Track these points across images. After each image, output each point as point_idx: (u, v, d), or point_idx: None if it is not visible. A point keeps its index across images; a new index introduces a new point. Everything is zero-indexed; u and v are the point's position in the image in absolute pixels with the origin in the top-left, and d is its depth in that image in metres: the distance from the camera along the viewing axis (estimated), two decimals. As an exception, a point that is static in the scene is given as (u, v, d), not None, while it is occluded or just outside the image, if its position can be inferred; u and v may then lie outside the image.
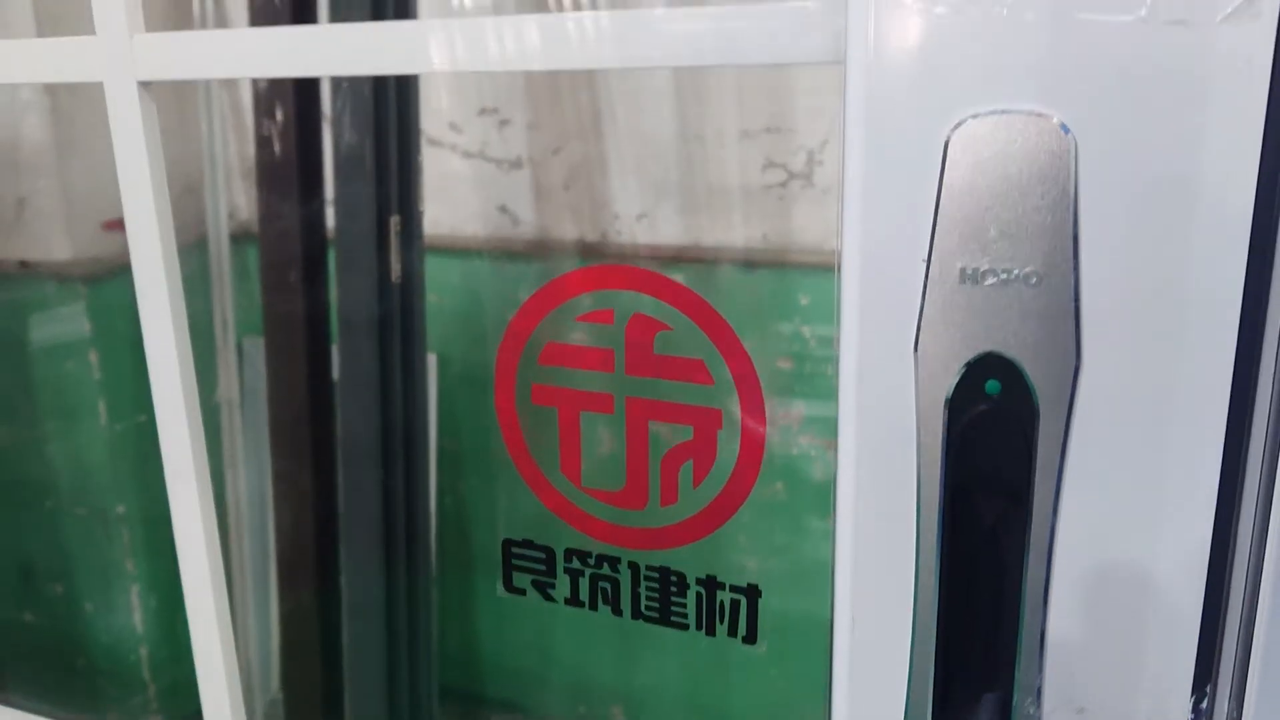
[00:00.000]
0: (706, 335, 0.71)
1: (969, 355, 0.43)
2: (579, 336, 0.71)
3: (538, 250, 1.71)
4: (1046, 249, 0.41)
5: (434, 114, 1.66)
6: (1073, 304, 0.42)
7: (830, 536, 0.50)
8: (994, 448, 0.44)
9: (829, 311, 1.61)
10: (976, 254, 0.42)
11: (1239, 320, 0.41)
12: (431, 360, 1.62)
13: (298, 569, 1.66)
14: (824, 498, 1.51)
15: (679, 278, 1.64)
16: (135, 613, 1.77)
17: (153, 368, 0.88)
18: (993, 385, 0.44)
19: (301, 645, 1.71)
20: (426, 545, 1.61)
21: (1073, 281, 0.41)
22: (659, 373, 0.71)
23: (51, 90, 1.59)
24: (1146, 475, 0.43)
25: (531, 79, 1.64)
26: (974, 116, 0.42)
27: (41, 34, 1.56)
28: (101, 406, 1.71)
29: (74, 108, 1.62)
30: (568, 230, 1.69)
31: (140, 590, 1.77)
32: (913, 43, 0.42)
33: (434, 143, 1.68)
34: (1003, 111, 0.41)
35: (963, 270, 0.43)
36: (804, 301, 1.59)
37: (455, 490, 1.82)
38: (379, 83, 1.32)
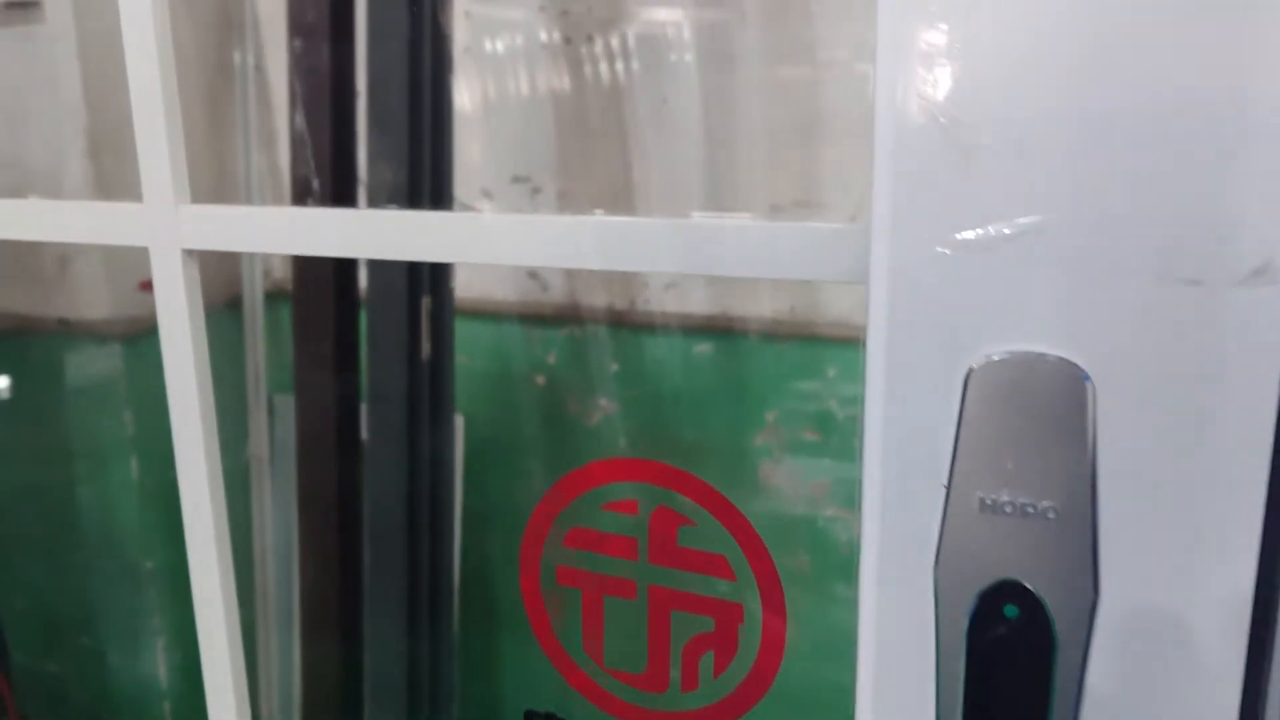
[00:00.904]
0: (729, 532, 0.72)
1: (987, 581, 0.44)
2: (604, 523, 0.72)
3: (566, 316, 1.72)
4: (1065, 485, 0.42)
5: (466, 180, 1.67)
6: (1090, 539, 0.42)
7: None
8: (1013, 670, 0.44)
9: (855, 383, 1.61)
10: (995, 485, 0.43)
11: (1258, 554, 0.41)
12: (458, 421, 1.64)
13: (322, 626, 1.67)
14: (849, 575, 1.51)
15: (705, 348, 1.65)
16: (160, 667, 1.79)
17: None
18: (1011, 610, 0.44)
19: (323, 702, 1.72)
20: (450, 604, 1.62)
21: (1090, 518, 0.41)
22: (681, 564, 0.71)
23: (94, 154, 1.62)
24: (1166, 706, 0.43)
25: (564, 148, 1.66)
26: (994, 354, 0.42)
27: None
28: (134, 462, 1.73)
29: (117, 171, 1.65)
30: (597, 297, 1.70)
31: (165, 644, 1.79)
32: (935, 277, 0.43)
33: (466, 208, 1.70)
34: (1023, 352, 0.42)
35: (981, 500, 0.43)
36: (830, 373, 1.59)
37: (480, 550, 1.83)
38: (414, 154, 1.34)
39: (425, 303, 1.21)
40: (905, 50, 0.45)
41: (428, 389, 1.40)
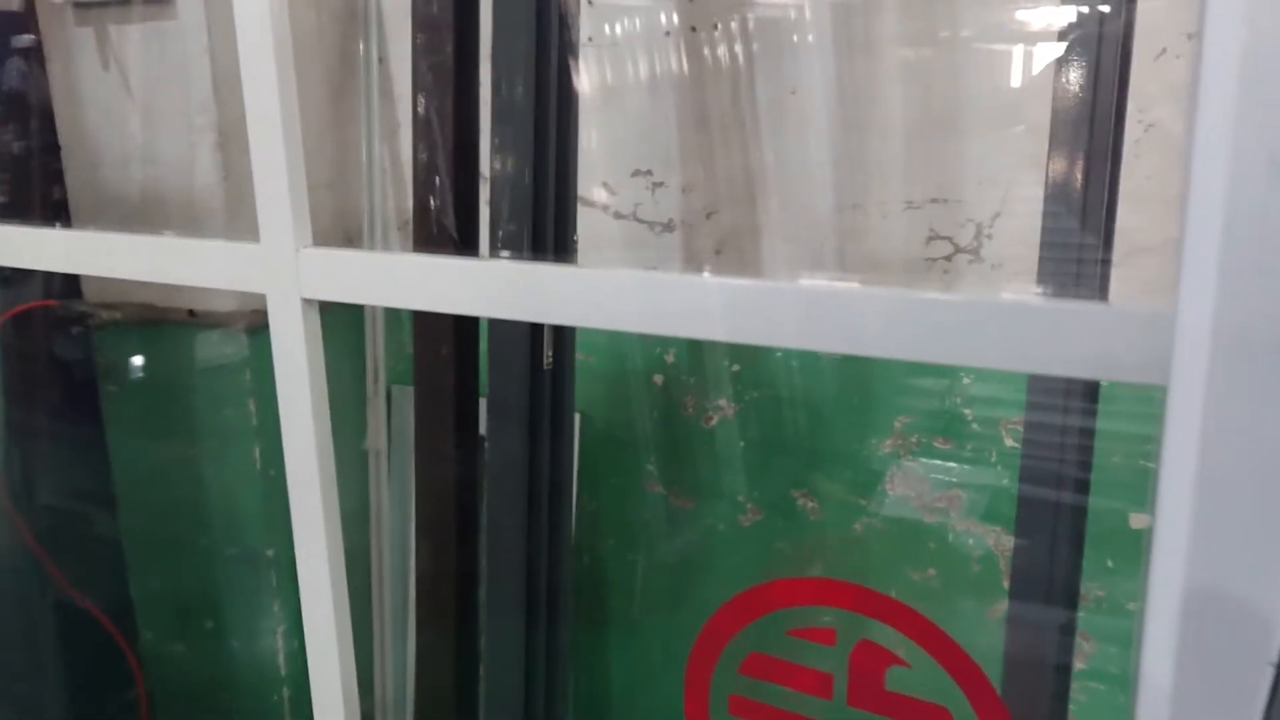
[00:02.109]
0: (955, 681, 0.63)
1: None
2: (792, 651, 0.64)
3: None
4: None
5: (586, 172, 1.64)
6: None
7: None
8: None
9: (989, 390, 1.51)
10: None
11: None
12: (575, 419, 1.61)
13: (436, 619, 1.66)
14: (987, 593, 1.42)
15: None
16: (279, 654, 1.82)
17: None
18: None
19: (436, 690, 1.71)
20: (566, 603, 1.59)
21: None
22: (891, 712, 0.63)
23: (224, 146, 1.64)
24: None
25: (686, 140, 1.61)
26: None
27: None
28: (256, 451, 1.76)
29: (244, 164, 1.67)
30: (718, 295, 1.64)
31: (285, 632, 1.82)
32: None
33: (586, 203, 1.66)
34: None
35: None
36: (965, 380, 1.50)
37: (593, 549, 1.80)
38: (539, 146, 1.30)
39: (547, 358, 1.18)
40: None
41: (548, 388, 1.37)
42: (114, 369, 1.84)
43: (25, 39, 1.67)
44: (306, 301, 0.78)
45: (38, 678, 1.88)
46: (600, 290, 0.69)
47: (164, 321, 1.75)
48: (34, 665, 1.88)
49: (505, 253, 1.29)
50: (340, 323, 1.87)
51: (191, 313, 1.72)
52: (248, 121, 0.80)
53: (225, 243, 0.84)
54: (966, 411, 1.50)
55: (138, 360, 1.84)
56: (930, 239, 1.49)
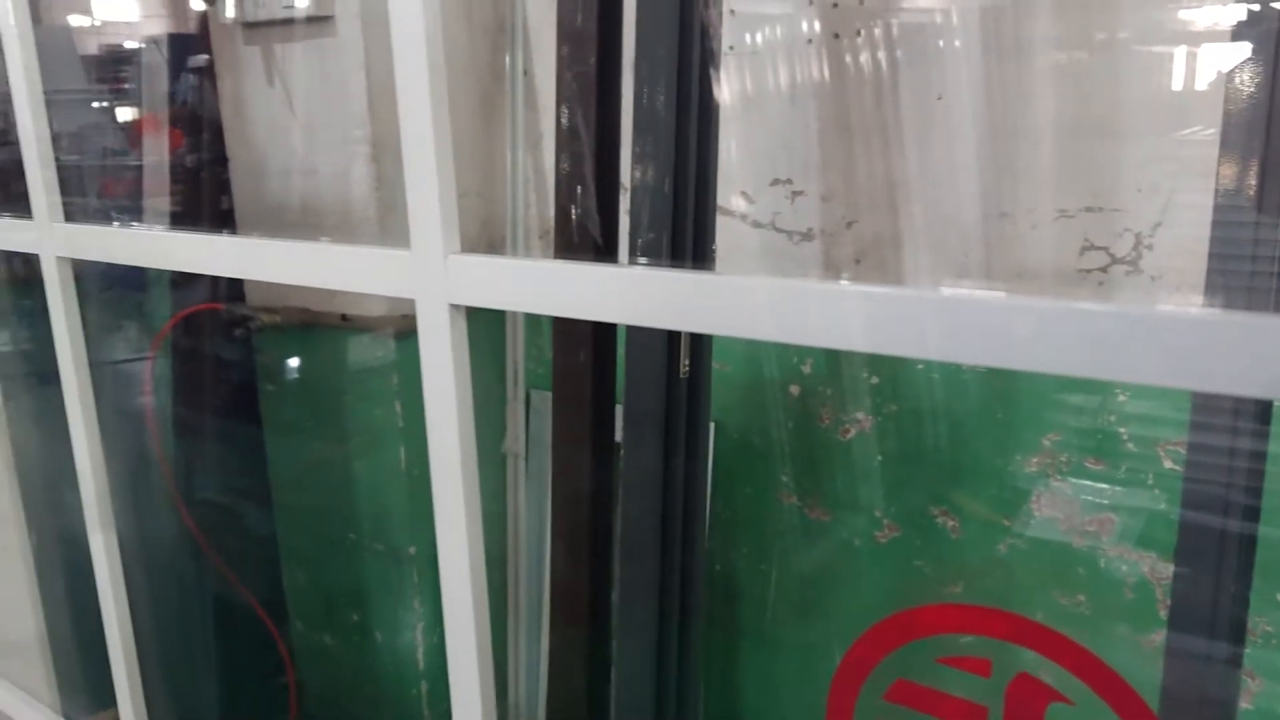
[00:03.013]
0: None
1: None
2: (942, 680, 0.62)
3: (824, 324, 1.64)
4: None
5: (725, 183, 1.64)
6: None
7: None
8: None
9: (1147, 409, 1.43)
10: None
11: None
12: (710, 427, 1.60)
13: (570, 621, 1.69)
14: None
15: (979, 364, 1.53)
16: (419, 649, 1.88)
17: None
18: None
19: (568, 693, 1.74)
20: (699, 611, 1.59)
21: None
22: None
23: (377, 158, 1.71)
24: None
25: (827, 148, 1.59)
26: None
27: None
28: (402, 452, 1.82)
29: (397, 176, 1.73)
30: (857, 306, 1.61)
31: (424, 628, 1.87)
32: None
33: (724, 212, 1.66)
34: None
35: None
36: (1121, 398, 1.43)
37: (726, 558, 1.79)
38: (679, 155, 1.30)
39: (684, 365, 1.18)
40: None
41: (685, 396, 1.37)
42: (271, 370, 1.94)
43: (200, 58, 1.79)
44: (454, 307, 0.80)
45: (197, 662, 2.00)
46: (739, 298, 0.69)
47: (318, 325, 1.84)
48: (193, 650, 2.00)
49: (643, 260, 1.29)
50: (483, 328, 1.92)
51: (344, 317, 1.80)
52: (401, 133, 0.83)
53: (377, 249, 0.87)
54: (1121, 430, 1.43)
55: (293, 362, 1.93)
56: (1085, 249, 1.43)
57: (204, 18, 1.77)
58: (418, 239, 0.80)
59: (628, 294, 0.71)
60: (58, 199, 1.19)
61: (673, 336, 1.18)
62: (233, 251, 1.09)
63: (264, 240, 1.02)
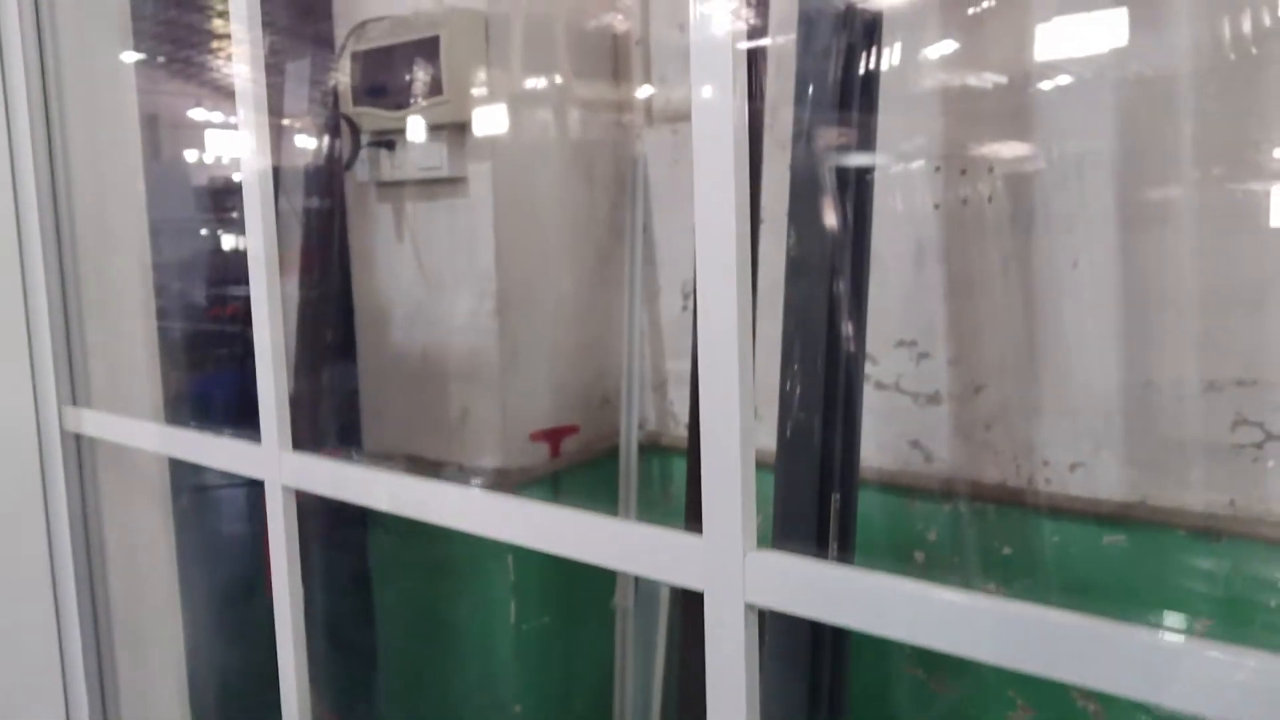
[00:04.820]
0: None
1: None
2: None
3: (952, 490, 1.59)
4: None
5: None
6: None
7: None
8: None
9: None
10: None
11: None
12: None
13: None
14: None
15: (1118, 539, 1.45)
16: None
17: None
18: None
19: None
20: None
21: None
22: None
23: (501, 312, 1.74)
24: None
25: (953, 313, 1.56)
26: None
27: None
28: (512, 606, 1.79)
29: (521, 329, 1.76)
30: (988, 473, 1.56)
31: (528, 790, 1.81)
32: None
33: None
34: None
35: None
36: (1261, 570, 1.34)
37: None
38: (832, 322, 1.27)
39: (834, 499, 1.14)
40: None
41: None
42: (384, 519, 1.94)
43: (335, 214, 1.86)
44: (749, 607, 0.75)
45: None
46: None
47: (435, 474, 1.84)
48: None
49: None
50: (597, 479, 1.91)
51: (461, 467, 1.81)
52: (701, 403, 0.77)
53: (666, 531, 0.80)
54: (1272, 602, 1.34)
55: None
56: (1236, 424, 1.36)
57: (340, 178, 1.85)
58: (712, 528, 0.75)
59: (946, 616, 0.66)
60: (288, 428, 1.16)
61: (823, 514, 1.14)
62: (493, 510, 1.00)
63: (527, 502, 0.94)
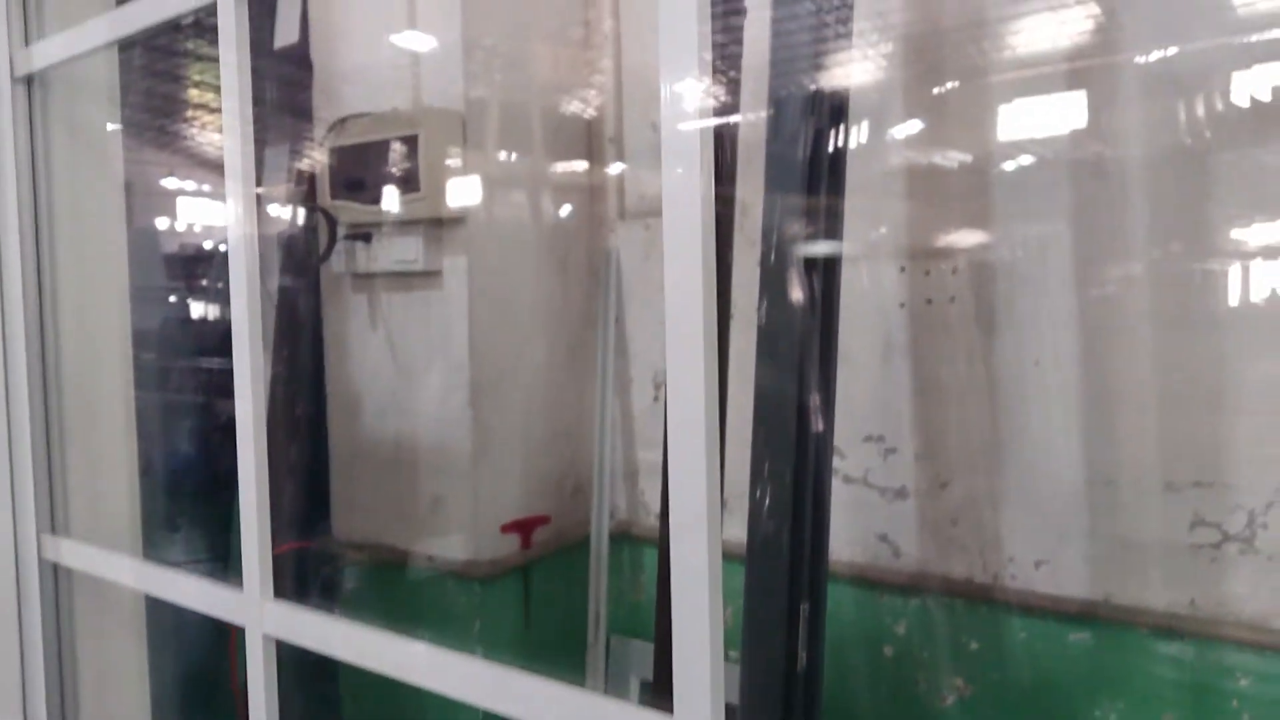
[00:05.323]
0: None
1: None
2: None
3: (920, 585, 1.60)
4: None
5: (816, 435, 1.64)
6: None
7: None
8: None
9: (1272, 700, 1.35)
10: None
11: None
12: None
13: None
14: None
15: (1082, 636, 1.47)
16: None
17: None
18: None
19: None
20: None
21: None
22: None
23: (474, 404, 1.75)
24: None
25: (919, 410, 1.59)
26: None
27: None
28: (481, 699, 1.77)
29: (491, 417, 1.77)
30: (955, 568, 1.58)
31: None
32: None
33: (815, 465, 1.65)
34: None
35: None
36: (1241, 683, 1.36)
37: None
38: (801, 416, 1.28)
39: (803, 609, 1.15)
40: None
41: (802, 693, 1.31)
42: (356, 603, 1.93)
43: (309, 303, 1.87)
44: None
45: None
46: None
47: (404, 564, 1.84)
48: None
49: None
50: (567, 570, 1.91)
51: (430, 559, 1.80)
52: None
53: (632, 709, 0.80)
54: (1234, 703, 1.35)
55: (377, 597, 1.92)
56: (1194, 524, 1.39)
57: (316, 267, 1.87)
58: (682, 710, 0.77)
59: None
60: (270, 575, 1.15)
61: (792, 624, 1.15)
62: (471, 676, 1.00)
63: (503, 670, 0.95)
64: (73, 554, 1.46)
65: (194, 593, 1.28)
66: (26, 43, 1.47)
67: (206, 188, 2.53)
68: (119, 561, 1.42)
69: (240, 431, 1.15)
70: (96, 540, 1.49)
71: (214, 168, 2.17)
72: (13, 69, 1.46)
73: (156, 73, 2.21)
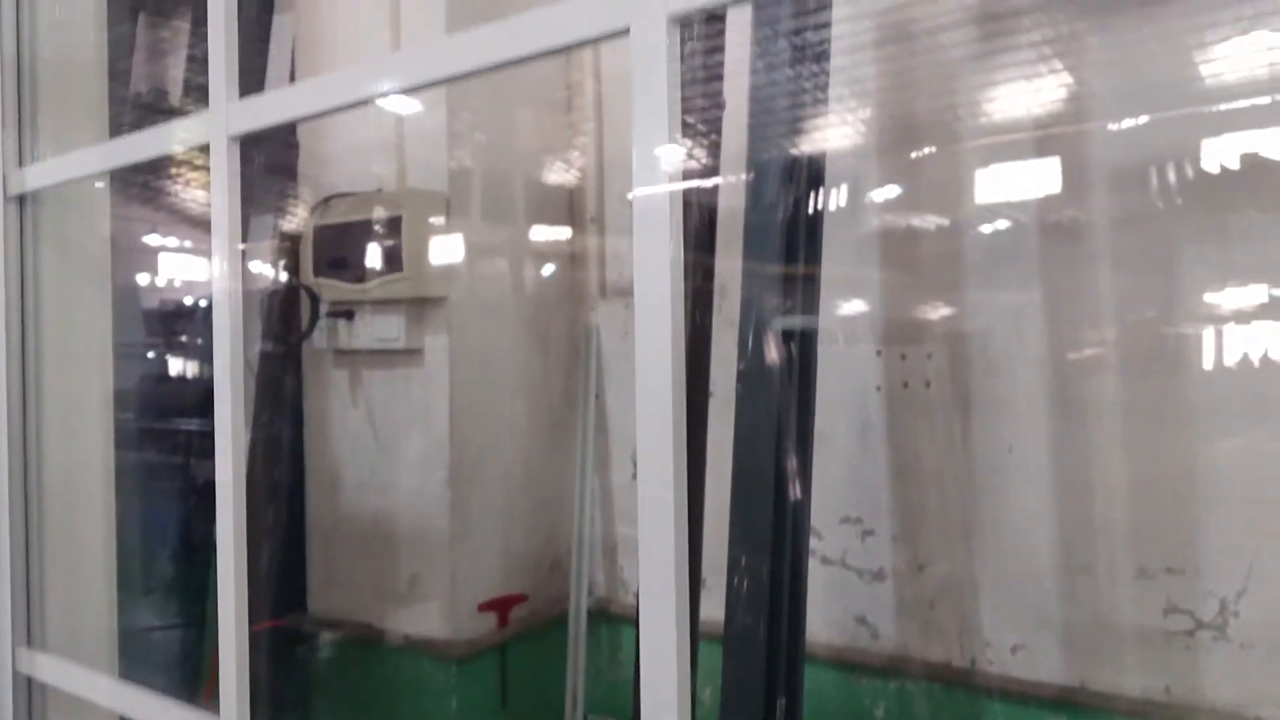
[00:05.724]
0: None
1: None
2: None
3: (898, 668, 1.61)
4: None
5: (795, 515, 1.64)
6: None
7: None
8: None
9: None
10: None
11: None
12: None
13: None
14: None
15: (1061, 721, 1.47)
16: None
17: None
18: None
19: None
20: None
21: None
22: None
23: (454, 483, 1.75)
24: None
25: (897, 492, 1.60)
26: None
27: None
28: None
29: (471, 496, 1.77)
30: (933, 651, 1.58)
31: None
32: None
33: (794, 546, 1.66)
34: None
35: None
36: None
37: None
38: (778, 501, 1.28)
39: (780, 704, 1.15)
40: None
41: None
42: (331, 683, 1.90)
43: (289, 380, 1.87)
44: None
45: None
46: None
47: (380, 643, 1.82)
48: None
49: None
50: (545, 648, 1.89)
51: (406, 638, 1.78)
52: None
53: None
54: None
55: (353, 677, 1.90)
56: (1168, 611, 1.40)
57: (297, 343, 1.87)
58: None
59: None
60: (248, 705, 1.16)
61: (771, 683, 1.14)
62: None
63: None
64: (47, 669, 1.44)
65: (169, 717, 1.27)
66: (20, 164, 1.50)
67: (195, 277, 2.51)
68: (94, 680, 1.40)
69: (219, 519, 1.15)
70: (72, 649, 1.47)
71: (202, 236, 2.18)
72: (5, 189, 1.50)
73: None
